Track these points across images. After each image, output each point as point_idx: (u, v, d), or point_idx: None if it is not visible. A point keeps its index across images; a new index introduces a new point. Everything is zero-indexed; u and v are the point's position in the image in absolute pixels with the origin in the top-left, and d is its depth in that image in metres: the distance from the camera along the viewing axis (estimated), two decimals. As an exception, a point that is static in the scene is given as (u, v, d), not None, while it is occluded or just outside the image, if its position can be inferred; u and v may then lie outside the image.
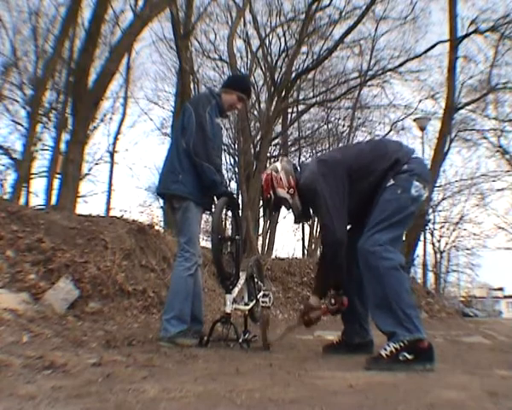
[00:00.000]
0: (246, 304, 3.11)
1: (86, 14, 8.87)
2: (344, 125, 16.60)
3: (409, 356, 2.07)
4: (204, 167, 2.85)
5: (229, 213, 3.12)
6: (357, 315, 2.69)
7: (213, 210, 2.95)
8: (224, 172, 17.66)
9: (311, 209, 2.68)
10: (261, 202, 2.92)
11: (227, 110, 3.21)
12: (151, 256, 4.89)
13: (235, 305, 2.95)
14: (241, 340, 2.81)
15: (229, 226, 3.05)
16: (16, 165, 11.78)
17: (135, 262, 4.56)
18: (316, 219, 18.72)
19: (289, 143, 16.45)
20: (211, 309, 4.81)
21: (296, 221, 2.85)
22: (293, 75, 12.65)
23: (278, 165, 2.71)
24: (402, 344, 2.09)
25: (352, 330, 2.72)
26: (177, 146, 2.99)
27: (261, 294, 3.43)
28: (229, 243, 3.08)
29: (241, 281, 3.09)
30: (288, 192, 2.61)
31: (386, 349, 2.12)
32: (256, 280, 3.38)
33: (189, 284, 2.86)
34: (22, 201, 9.75)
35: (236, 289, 2.96)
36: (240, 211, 3.23)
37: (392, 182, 2.34)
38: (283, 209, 2.80)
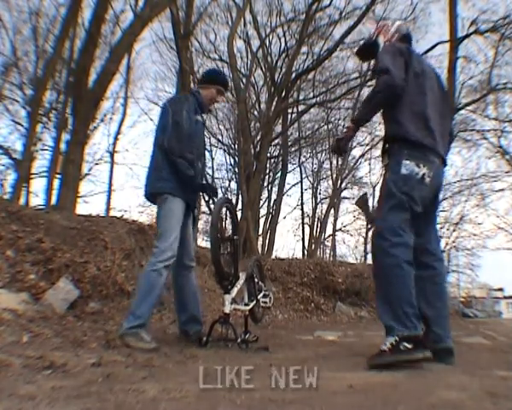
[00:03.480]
0: (246, 304, 3.11)
1: (86, 14, 8.89)
2: (344, 126, 16.58)
3: (408, 345, 2.13)
4: (177, 163, 2.87)
5: (225, 212, 3.09)
6: (426, 319, 2.43)
7: (212, 209, 2.93)
8: (224, 172, 17.65)
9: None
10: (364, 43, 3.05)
11: (209, 105, 3.27)
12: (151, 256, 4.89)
13: (235, 305, 2.94)
14: (239, 340, 2.81)
15: (229, 226, 3.01)
16: (16, 165, 11.77)
17: (135, 262, 4.57)
18: (315, 219, 18.68)
19: (289, 143, 16.46)
20: (211, 309, 4.81)
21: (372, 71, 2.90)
22: (294, 75, 12.63)
23: (398, 22, 2.88)
24: (399, 337, 2.14)
25: (426, 336, 2.39)
26: (159, 146, 3.00)
27: (261, 294, 3.42)
28: (228, 243, 3.07)
29: (241, 281, 3.08)
30: (384, 42, 2.73)
31: (386, 344, 2.16)
32: (256, 280, 3.38)
33: (150, 279, 2.76)
34: (22, 201, 9.72)
35: (235, 290, 2.95)
36: (233, 209, 3.21)
37: (392, 160, 2.41)
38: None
